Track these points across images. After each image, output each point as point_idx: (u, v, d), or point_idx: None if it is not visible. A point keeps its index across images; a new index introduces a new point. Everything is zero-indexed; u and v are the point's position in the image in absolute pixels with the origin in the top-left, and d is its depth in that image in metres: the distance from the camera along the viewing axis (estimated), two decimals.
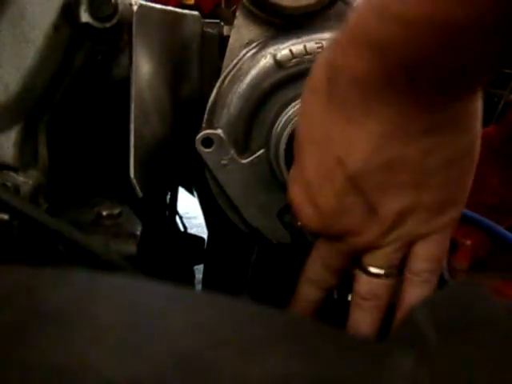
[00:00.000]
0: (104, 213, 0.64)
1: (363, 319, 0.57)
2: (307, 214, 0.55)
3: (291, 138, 0.63)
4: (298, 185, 0.55)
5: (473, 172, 0.54)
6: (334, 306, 0.69)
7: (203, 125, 0.68)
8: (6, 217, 0.56)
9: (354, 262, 0.57)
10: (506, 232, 0.77)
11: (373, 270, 0.56)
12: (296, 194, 0.55)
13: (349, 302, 0.61)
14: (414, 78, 0.45)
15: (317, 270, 0.60)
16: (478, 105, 0.50)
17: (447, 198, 0.53)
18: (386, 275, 0.56)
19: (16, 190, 0.60)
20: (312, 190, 0.53)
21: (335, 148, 0.51)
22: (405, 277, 0.57)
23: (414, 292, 0.56)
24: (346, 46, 0.47)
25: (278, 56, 0.66)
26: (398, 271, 0.57)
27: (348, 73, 0.47)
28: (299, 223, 0.56)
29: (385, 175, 0.51)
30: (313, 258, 0.60)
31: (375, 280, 0.56)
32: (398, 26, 0.42)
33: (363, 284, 0.57)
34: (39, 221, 0.55)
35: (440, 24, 0.39)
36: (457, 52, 0.41)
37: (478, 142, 0.52)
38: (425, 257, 0.56)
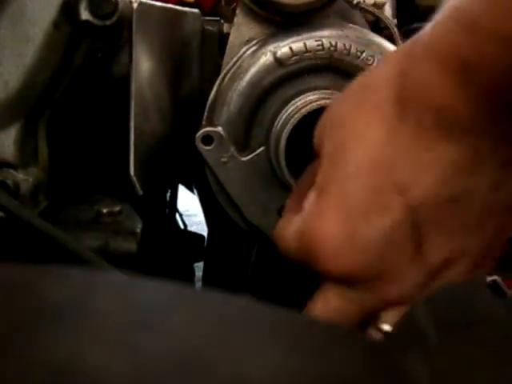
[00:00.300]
0: (104, 210, 0.64)
1: None
2: (341, 251, 0.45)
3: (291, 135, 0.63)
4: (333, 215, 0.46)
5: None
6: None
7: (203, 122, 0.68)
8: (3, 215, 0.56)
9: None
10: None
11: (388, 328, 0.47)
12: (329, 226, 0.46)
13: None
14: (505, 107, 0.40)
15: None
16: None
17: (494, 245, 0.47)
18: None
19: (16, 187, 0.60)
20: (355, 221, 0.45)
21: (397, 174, 0.44)
22: None
23: None
24: (424, 62, 0.42)
25: (278, 54, 0.66)
26: None
27: (425, 96, 0.42)
28: (321, 267, 0.46)
29: (447, 210, 0.44)
30: (320, 310, 0.49)
31: None
32: (492, 43, 0.37)
33: None
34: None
35: None
36: None
37: None
38: None
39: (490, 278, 0.64)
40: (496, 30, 0.37)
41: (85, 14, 0.61)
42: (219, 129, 0.67)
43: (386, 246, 0.45)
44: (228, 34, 0.70)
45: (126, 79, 0.63)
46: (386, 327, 0.45)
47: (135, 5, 0.62)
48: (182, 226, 1.19)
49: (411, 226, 0.44)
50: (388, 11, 0.74)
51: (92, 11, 0.61)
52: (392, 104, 0.44)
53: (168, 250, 0.91)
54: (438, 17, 0.41)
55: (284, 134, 0.65)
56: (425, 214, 0.44)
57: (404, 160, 0.44)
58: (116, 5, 0.61)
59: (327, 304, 0.48)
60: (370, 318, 0.47)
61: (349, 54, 0.65)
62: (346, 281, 0.47)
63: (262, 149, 0.68)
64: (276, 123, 0.66)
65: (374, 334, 0.46)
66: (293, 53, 0.66)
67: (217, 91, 0.68)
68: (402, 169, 0.44)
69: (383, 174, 0.45)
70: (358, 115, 0.47)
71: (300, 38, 0.66)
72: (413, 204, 0.44)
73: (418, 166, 0.44)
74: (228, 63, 0.68)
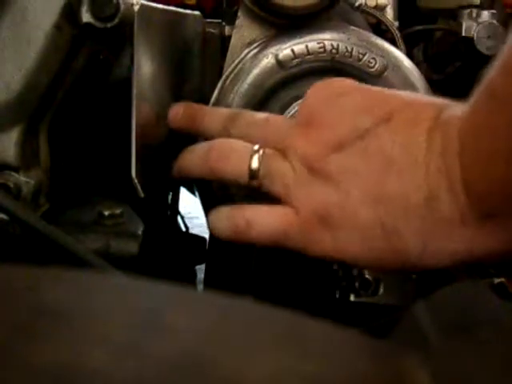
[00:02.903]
0: (105, 212, 0.64)
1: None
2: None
3: None
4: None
5: None
6: (336, 305, 0.69)
7: None
8: (6, 217, 0.56)
9: None
10: None
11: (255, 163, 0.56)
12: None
13: (351, 303, 0.61)
14: None
15: None
16: None
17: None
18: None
19: (17, 189, 0.60)
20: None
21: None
22: None
23: None
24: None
25: (280, 56, 0.66)
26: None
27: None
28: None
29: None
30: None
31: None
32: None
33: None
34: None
35: None
36: None
37: None
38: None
39: (496, 280, 0.64)
40: None
41: (86, 17, 0.61)
42: None
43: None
44: (229, 37, 0.70)
45: (127, 81, 0.64)
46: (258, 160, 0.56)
47: (137, 7, 0.62)
48: (183, 229, 1.19)
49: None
50: (389, 13, 0.74)
51: (94, 13, 0.61)
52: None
53: (169, 252, 0.91)
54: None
55: None
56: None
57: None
58: (118, 7, 0.61)
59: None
60: None
61: (350, 56, 0.65)
62: None
63: None
64: None
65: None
66: (294, 55, 0.66)
67: (218, 93, 0.68)
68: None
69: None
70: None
71: (302, 40, 0.66)
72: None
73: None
74: (229, 65, 0.68)
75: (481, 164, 0.46)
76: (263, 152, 0.56)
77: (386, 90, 0.55)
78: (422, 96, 0.56)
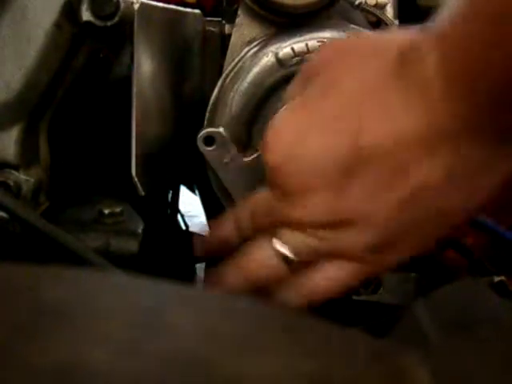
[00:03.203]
0: (105, 211, 0.64)
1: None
2: (288, 152, 0.52)
3: None
4: (294, 124, 0.52)
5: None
6: (337, 305, 0.69)
7: (205, 123, 0.68)
8: (6, 215, 0.56)
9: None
10: (506, 232, 0.76)
11: (281, 248, 0.54)
12: (286, 128, 0.53)
13: (353, 302, 0.61)
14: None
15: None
16: None
17: (404, 237, 0.51)
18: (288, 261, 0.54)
19: (17, 188, 0.60)
20: (309, 133, 0.51)
21: (364, 111, 0.48)
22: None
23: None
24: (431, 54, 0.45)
25: (280, 54, 0.66)
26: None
27: (424, 82, 0.46)
28: None
29: (386, 166, 0.48)
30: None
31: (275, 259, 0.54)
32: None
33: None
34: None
35: None
36: None
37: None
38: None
39: (496, 279, 0.64)
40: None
41: (86, 15, 0.61)
42: (221, 130, 0.67)
43: (324, 161, 0.49)
44: (230, 35, 0.70)
45: (127, 80, 0.64)
46: (280, 247, 0.54)
47: (137, 6, 0.62)
48: (183, 227, 1.19)
49: (350, 161, 0.48)
50: (390, 12, 0.74)
51: (94, 12, 0.61)
52: (395, 65, 0.47)
53: (169, 250, 0.91)
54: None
55: None
56: (365, 158, 0.48)
57: (373, 105, 0.48)
58: (117, 6, 0.61)
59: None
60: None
61: None
62: (281, 188, 0.52)
63: None
64: None
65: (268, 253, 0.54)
66: (294, 53, 0.66)
67: (218, 92, 0.68)
68: (368, 110, 0.48)
69: (355, 106, 0.49)
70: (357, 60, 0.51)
71: (302, 38, 0.66)
72: (361, 145, 0.48)
73: (383, 114, 0.47)
74: (229, 64, 0.68)
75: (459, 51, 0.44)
76: (283, 234, 0.55)
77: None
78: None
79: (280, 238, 0.54)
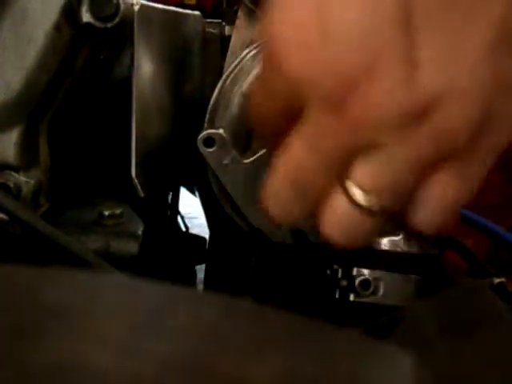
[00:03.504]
0: (106, 213, 0.64)
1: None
2: (309, 44, 0.35)
3: None
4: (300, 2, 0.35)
5: None
6: (336, 305, 0.69)
7: (205, 124, 0.68)
8: (6, 217, 0.56)
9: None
10: (506, 233, 0.76)
11: (358, 193, 0.37)
12: (295, 16, 0.35)
13: (350, 303, 0.61)
14: None
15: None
16: None
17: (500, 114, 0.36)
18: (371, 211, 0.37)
19: (17, 189, 0.60)
20: (330, 3, 0.34)
21: None
22: None
23: None
24: None
25: None
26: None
27: None
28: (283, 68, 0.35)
29: (448, 17, 0.34)
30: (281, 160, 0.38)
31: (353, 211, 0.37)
32: None
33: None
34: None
35: None
36: None
37: None
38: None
39: (496, 280, 0.64)
40: None
41: (86, 17, 0.61)
42: (221, 131, 0.67)
43: (369, 36, 0.34)
44: (229, 37, 0.70)
45: (127, 81, 0.64)
46: (358, 194, 0.36)
47: (136, 7, 0.62)
48: (183, 229, 1.19)
49: (403, 23, 0.34)
50: None
51: (93, 13, 0.61)
52: None
53: (169, 252, 0.91)
54: None
55: None
56: (421, 14, 0.34)
57: None
58: (117, 7, 0.61)
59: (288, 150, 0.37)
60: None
61: None
62: (314, 88, 0.35)
63: (263, 151, 0.68)
64: None
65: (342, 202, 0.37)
66: None
67: (218, 93, 0.68)
68: None
69: None
70: None
71: None
72: None
73: None
74: (229, 65, 0.68)
75: None
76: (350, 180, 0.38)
77: None
78: None
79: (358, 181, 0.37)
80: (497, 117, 0.37)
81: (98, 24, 0.61)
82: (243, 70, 0.67)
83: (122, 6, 0.61)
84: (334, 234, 0.38)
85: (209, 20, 0.74)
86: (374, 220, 0.38)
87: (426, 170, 0.37)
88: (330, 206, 0.38)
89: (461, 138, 0.36)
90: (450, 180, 0.37)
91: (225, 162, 0.68)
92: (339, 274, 0.69)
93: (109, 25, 0.61)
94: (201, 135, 0.67)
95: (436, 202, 0.38)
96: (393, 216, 0.38)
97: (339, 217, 0.38)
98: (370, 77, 0.34)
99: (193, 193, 1.27)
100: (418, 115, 0.35)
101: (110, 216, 0.65)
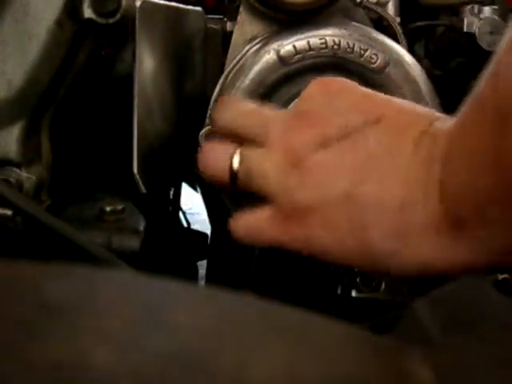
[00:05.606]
0: (107, 208, 0.64)
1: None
2: None
3: None
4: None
5: None
6: (337, 301, 0.69)
7: (207, 120, 0.68)
8: (8, 212, 0.56)
9: None
10: None
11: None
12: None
13: (352, 299, 0.61)
14: None
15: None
16: None
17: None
18: None
19: (19, 185, 0.60)
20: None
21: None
22: None
23: None
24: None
25: (282, 52, 0.66)
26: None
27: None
28: None
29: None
30: None
31: None
32: None
33: None
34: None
35: None
36: None
37: None
38: None
39: (500, 276, 0.64)
40: None
41: (88, 12, 0.61)
42: None
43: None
44: (231, 32, 0.70)
45: (129, 77, 0.64)
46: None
47: (138, 3, 0.62)
48: (185, 224, 1.19)
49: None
50: (391, 9, 0.74)
51: (95, 9, 0.61)
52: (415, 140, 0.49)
53: (171, 248, 0.91)
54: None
55: None
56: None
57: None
58: (119, 3, 0.61)
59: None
60: None
61: (352, 52, 0.65)
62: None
63: None
64: None
65: None
66: (296, 51, 0.65)
67: (220, 89, 0.68)
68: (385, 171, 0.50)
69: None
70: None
71: (303, 36, 0.66)
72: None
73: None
74: (231, 61, 0.68)
75: (460, 172, 0.46)
76: (241, 153, 0.55)
77: (383, 96, 0.55)
78: (417, 106, 0.56)
79: (246, 156, 0.55)
80: None
81: (99, 20, 0.61)
82: (245, 66, 0.67)
83: (124, 2, 0.61)
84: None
85: (210, 16, 0.74)
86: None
87: None
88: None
89: None
90: None
91: None
92: (341, 270, 0.69)
93: (110, 20, 0.61)
94: (202, 131, 0.67)
95: None
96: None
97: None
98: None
99: (194, 189, 1.27)
100: None
101: (112, 212, 0.65)
